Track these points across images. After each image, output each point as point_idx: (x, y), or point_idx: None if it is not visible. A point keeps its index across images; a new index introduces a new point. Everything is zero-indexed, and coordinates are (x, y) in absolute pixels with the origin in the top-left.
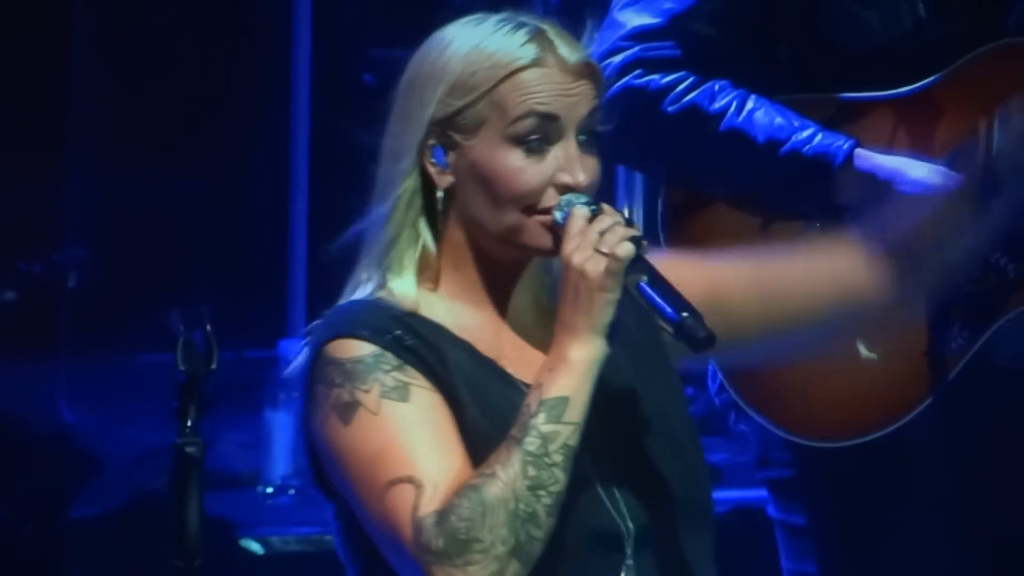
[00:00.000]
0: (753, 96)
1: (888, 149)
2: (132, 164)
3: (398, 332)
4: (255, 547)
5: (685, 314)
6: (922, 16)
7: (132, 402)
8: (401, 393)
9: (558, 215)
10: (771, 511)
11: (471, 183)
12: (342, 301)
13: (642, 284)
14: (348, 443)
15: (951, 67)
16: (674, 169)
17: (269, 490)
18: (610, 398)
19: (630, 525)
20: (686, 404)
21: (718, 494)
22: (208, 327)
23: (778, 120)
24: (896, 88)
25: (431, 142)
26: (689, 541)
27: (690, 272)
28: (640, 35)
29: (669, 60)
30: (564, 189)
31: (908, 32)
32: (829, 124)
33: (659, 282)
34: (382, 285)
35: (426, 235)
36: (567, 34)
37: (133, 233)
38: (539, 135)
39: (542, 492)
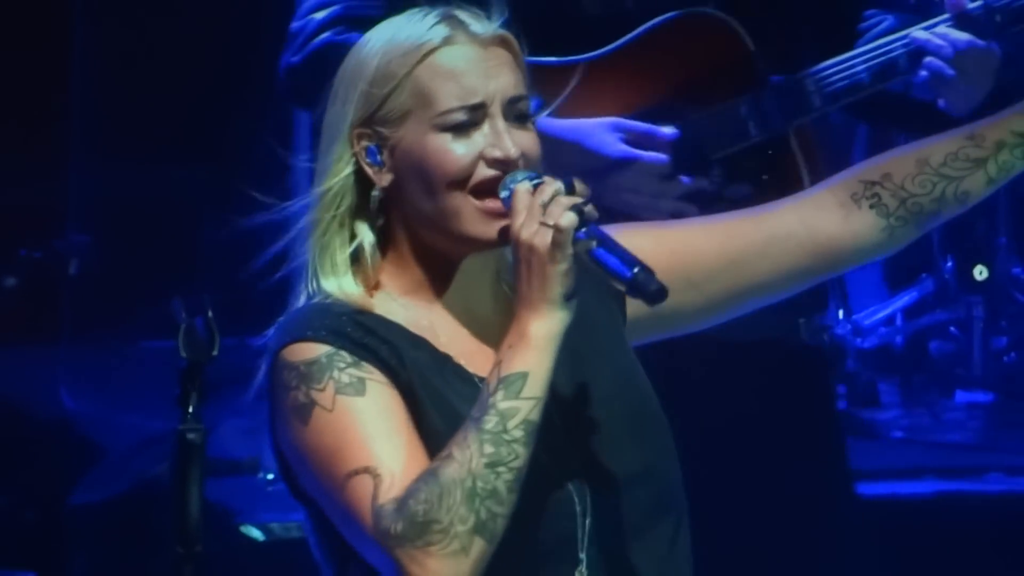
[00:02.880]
0: None
1: (576, 108)
2: (133, 151)
3: (352, 330)
4: (255, 533)
5: (635, 269)
6: None
7: (133, 388)
8: (357, 388)
9: (503, 194)
10: None
11: (407, 175)
12: (292, 308)
13: (592, 250)
14: (308, 442)
15: (636, 32)
16: None
17: (270, 476)
18: (573, 387)
19: (588, 513)
20: (648, 384)
21: None
22: (209, 313)
23: None
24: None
25: (364, 143)
26: (654, 524)
27: (650, 242)
28: None
29: (371, 19)
30: (494, 163)
31: (613, 5)
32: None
33: (608, 245)
34: (321, 288)
35: (365, 234)
36: (477, 12)
37: (134, 219)
38: (466, 120)
39: (501, 468)
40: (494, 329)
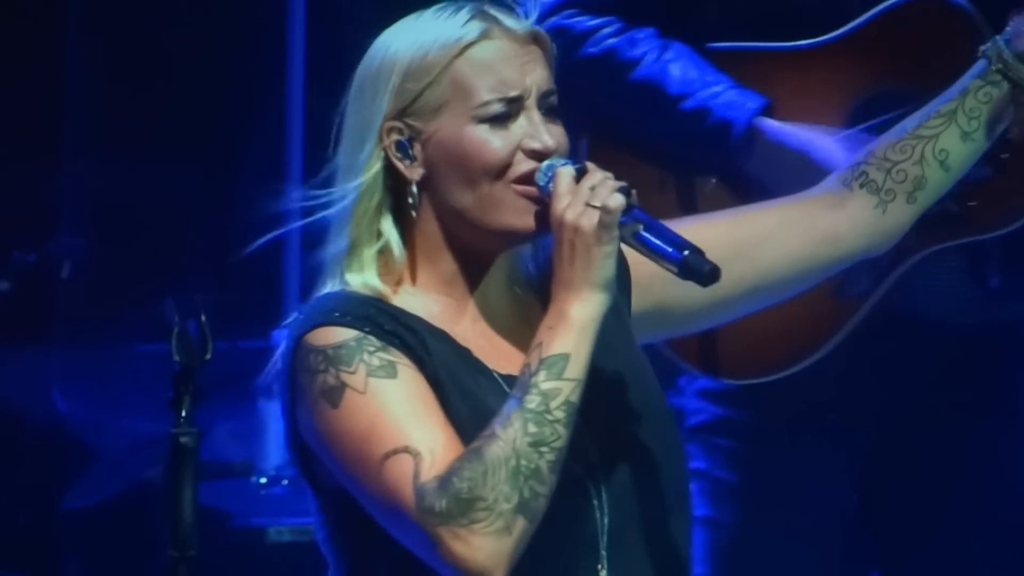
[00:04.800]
0: (674, 48)
1: (796, 99)
2: (126, 153)
3: (378, 316)
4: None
5: (687, 252)
6: None
7: (126, 392)
8: (388, 371)
9: (541, 180)
10: (693, 463)
11: (442, 167)
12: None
13: (639, 233)
14: (340, 425)
15: (860, 20)
16: (590, 111)
17: (263, 480)
18: (587, 382)
19: (607, 514)
20: (656, 379)
21: None
22: (203, 317)
23: (692, 73)
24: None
25: (394, 137)
26: (668, 520)
27: None
28: None
29: (601, 4)
30: (533, 154)
31: None
32: (744, 73)
33: (654, 228)
34: (346, 282)
35: (390, 231)
36: (507, 8)
37: (127, 222)
38: (504, 112)
39: (544, 448)
40: (508, 328)
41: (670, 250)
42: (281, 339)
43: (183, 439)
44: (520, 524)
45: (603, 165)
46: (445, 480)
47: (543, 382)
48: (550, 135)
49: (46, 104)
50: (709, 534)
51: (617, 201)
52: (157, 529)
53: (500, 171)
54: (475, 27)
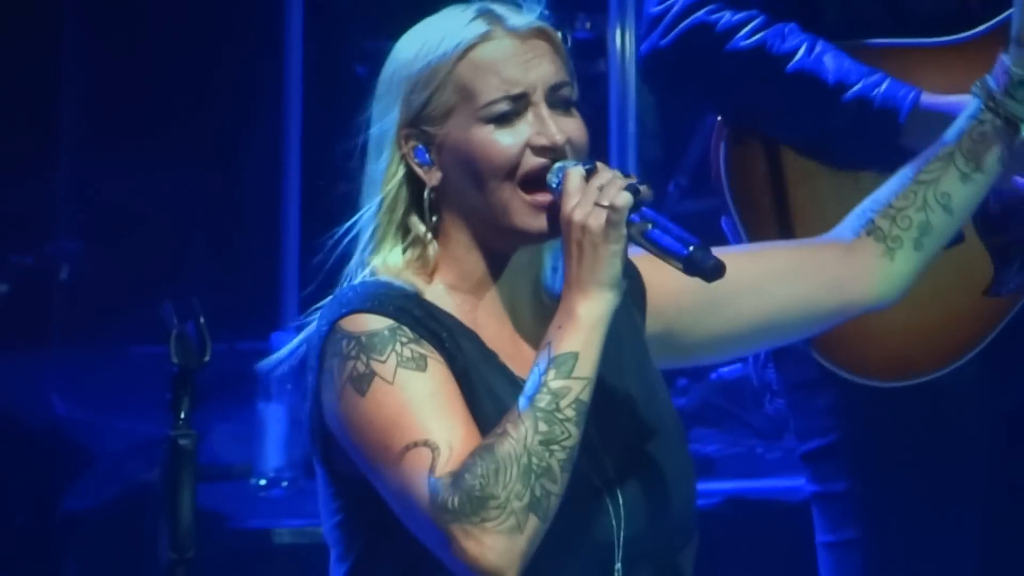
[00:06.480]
0: (821, 41)
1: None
2: (124, 156)
3: (413, 310)
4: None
5: (692, 247)
6: None
7: (124, 394)
8: (418, 363)
9: (553, 180)
10: (808, 486)
11: (456, 170)
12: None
13: (647, 231)
14: (364, 413)
15: (1004, 14)
16: (739, 107)
17: (262, 482)
18: (604, 396)
19: (623, 527)
20: (669, 398)
21: (710, 486)
22: (201, 319)
23: (847, 64)
24: (945, 36)
25: (412, 143)
26: (678, 537)
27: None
28: None
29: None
30: (542, 151)
31: None
32: (886, 69)
33: (663, 226)
34: (378, 275)
35: (418, 230)
36: (513, 5)
37: (125, 225)
38: (509, 110)
39: (555, 447)
40: (535, 336)
41: (676, 246)
42: (280, 341)
43: (181, 441)
44: (532, 522)
45: (745, 163)
46: (458, 476)
47: (552, 380)
48: (560, 129)
49: (43, 107)
50: (860, 556)
51: (624, 199)
52: (155, 531)
53: (510, 170)
54: (477, 28)
